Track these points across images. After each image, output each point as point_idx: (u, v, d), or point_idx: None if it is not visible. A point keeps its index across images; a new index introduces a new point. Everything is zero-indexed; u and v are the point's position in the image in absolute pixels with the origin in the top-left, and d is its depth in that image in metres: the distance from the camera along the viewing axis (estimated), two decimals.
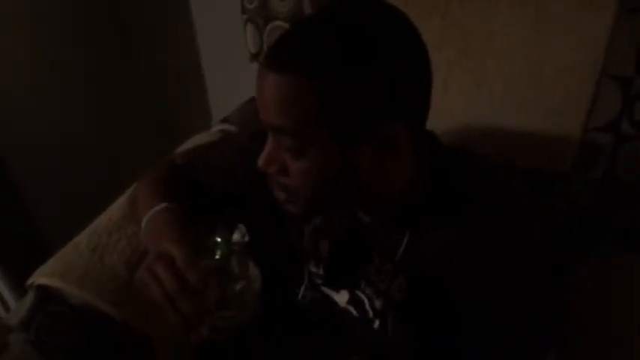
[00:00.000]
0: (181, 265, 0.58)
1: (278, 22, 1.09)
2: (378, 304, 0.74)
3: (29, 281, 0.84)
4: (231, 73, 1.36)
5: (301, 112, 0.57)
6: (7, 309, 1.46)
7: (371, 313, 0.76)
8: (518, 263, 0.63)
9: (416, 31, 0.60)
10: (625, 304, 0.80)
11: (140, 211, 0.76)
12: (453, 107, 0.95)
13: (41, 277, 0.83)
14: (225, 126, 1.19)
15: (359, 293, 0.79)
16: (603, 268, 0.86)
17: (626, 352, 0.77)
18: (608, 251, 0.88)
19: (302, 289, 0.84)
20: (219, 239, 0.59)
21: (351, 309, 0.80)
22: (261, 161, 0.63)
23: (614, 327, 0.79)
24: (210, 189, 0.84)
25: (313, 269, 0.82)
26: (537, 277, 0.65)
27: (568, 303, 0.81)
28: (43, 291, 0.82)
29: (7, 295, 1.44)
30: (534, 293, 0.65)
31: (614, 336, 0.78)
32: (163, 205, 0.73)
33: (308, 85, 0.55)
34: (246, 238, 0.59)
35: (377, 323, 0.75)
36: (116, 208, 0.96)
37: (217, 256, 0.58)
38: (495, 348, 0.62)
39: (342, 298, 0.81)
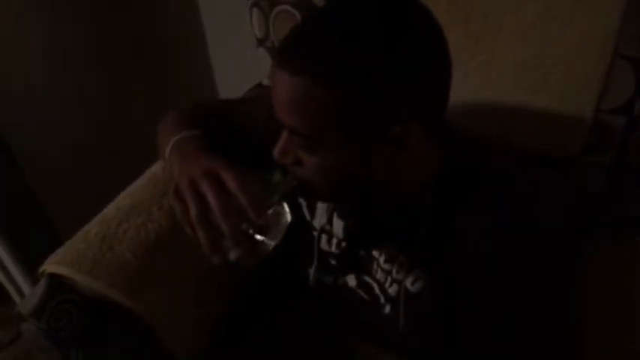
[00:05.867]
0: (234, 187, 0.58)
1: (284, 7, 1.07)
2: (391, 290, 0.74)
3: (40, 269, 0.85)
4: (238, 59, 1.35)
5: (312, 113, 0.56)
6: (21, 294, 1.48)
7: (382, 299, 0.76)
8: (531, 268, 0.63)
9: (436, 27, 0.58)
10: (636, 292, 0.80)
11: (164, 138, 0.74)
12: (461, 91, 0.93)
13: (51, 265, 0.84)
14: None
15: (367, 278, 0.79)
16: (614, 255, 0.85)
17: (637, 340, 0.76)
18: (618, 238, 0.87)
19: (312, 270, 0.84)
20: (276, 177, 0.62)
21: (361, 292, 0.81)
22: (276, 152, 0.63)
23: (623, 317, 0.79)
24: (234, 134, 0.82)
25: (325, 247, 0.82)
26: (550, 283, 0.65)
27: (576, 292, 0.81)
28: (55, 279, 0.83)
29: (21, 281, 1.47)
30: (544, 302, 0.64)
31: (624, 329, 0.78)
32: (194, 132, 0.71)
33: (320, 88, 0.54)
34: (295, 182, 0.63)
35: (388, 308, 0.75)
36: (124, 197, 0.96)
37: (275, 196, 0.61)
38: (500, 350, 0.63)
39: (351, 281, 0.82)
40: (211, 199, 0.58)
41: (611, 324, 0.79)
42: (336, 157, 0.60)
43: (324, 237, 0.81)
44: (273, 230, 0.62)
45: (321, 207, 0.81)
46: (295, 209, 0.83)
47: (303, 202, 0.83)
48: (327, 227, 0.80)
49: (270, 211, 0.62)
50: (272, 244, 0.61)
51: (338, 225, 0.79)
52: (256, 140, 0.78)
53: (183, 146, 0.69)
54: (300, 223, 0.84)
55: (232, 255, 0.58)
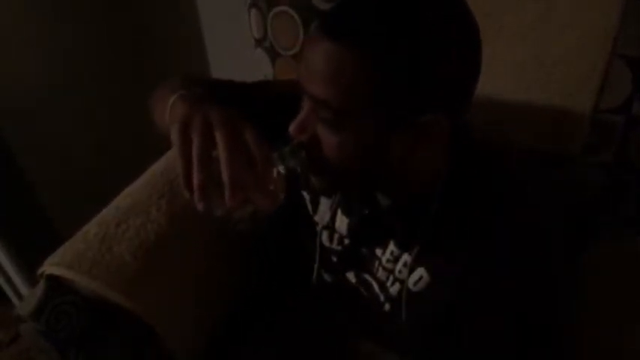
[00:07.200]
0: (253, 140, 0.55)
1: (282, 7, 1.07)
2: (392, 290, 0.74)
3: (39, 271, 0.85)
4: (237, 60, 1.35)
5: (348, 84, 0.55)
6: (19, 297, 1.48)
7: (382, 297, 0.76)
8: (531, 268, 0.63)
9: (473, 21, 0.58)
10: (636, 292, 0.80)
11: (163, 97, 0.69)
12: None
13: (51, 266, 0.84)
14: None
15: (366, 277, 0.79)
16: (614, 255, 0.85)
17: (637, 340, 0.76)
18: (618, 238, 0.87)
19: (314, 269, 0.84)
20: (288, 149, 0.60)
21: (362, 289, 0.81)
22: (293, 127, 0.61)
23: (623, 317, 0.79)
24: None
25: (326, 243, 0.82)
26: (550, 283, 0.65)
27: (576, 292, 0.81)
28: (54, 281, 0.83)
29: (19, 283, 1.46)
30: (544, 302, 0.64)
31: (624, 329, 0.78)
32: (199, 90, 0.67)
33: (361, 56, 0.53)
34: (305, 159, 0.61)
35: (387, 307, 0.76)
36: (124, 196, 0.96)
37: (282, 167, 0.59)
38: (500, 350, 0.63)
39: (350, 277, 0.82)
40: (224, 143, 0.53)
41: (611, 324, 0.79)
42: (357, 138, 0.58)
43: (325, 233, 0.81)
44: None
45: (324, 202, 0.81)
46: (298, 202, 0.83)
47: (306, 195, 0.83)
48: (330, 224, 0.80)
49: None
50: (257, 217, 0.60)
51: (342, 222, 0.79)
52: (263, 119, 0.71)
53: (193, 96, 0.64)
54: (303, 218, 0.84)
55: (219, 211, 0.55)
